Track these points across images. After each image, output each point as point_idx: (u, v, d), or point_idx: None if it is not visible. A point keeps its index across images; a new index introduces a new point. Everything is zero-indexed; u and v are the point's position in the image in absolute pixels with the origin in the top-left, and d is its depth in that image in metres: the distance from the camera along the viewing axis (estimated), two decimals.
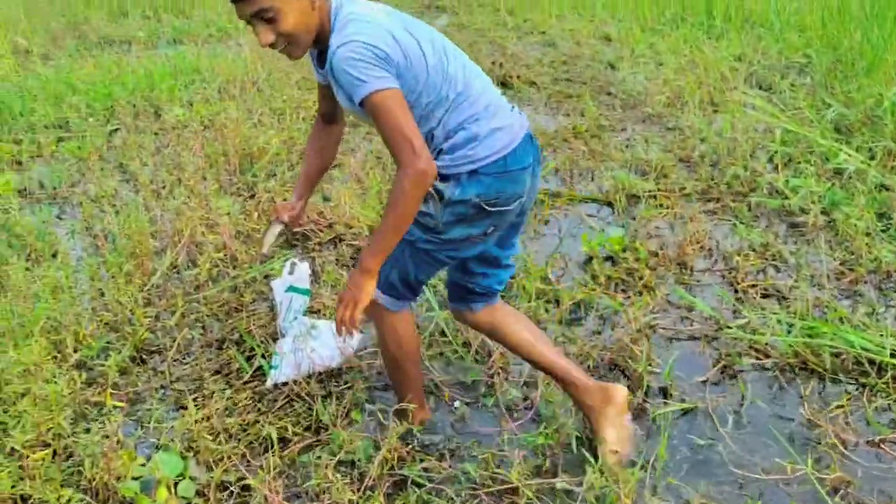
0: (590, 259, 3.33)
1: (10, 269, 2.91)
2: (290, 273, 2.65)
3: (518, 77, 6.40)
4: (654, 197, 3.92)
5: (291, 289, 2.58)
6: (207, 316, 2.94)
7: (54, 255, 3.42)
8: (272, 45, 1.79)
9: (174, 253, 3.30)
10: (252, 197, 4.06)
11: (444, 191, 1.89)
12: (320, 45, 1.88)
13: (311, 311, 2.87)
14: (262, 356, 2.59)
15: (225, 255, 3.32)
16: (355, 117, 2.04)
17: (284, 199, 3.92)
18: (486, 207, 1.91)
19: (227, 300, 3.05)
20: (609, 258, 3.35)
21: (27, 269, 3.16)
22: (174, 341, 2.74)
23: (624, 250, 3.34)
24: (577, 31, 8.17)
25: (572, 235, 3.63)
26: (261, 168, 4.30)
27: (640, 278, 3.14)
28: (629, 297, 3.03)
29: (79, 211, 3.95)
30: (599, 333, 2.81)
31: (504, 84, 6.31)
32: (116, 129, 5.25)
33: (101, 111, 5.50)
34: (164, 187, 4.11)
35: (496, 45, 7.86)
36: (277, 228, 2.22)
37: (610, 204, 3.94)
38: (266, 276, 3.22)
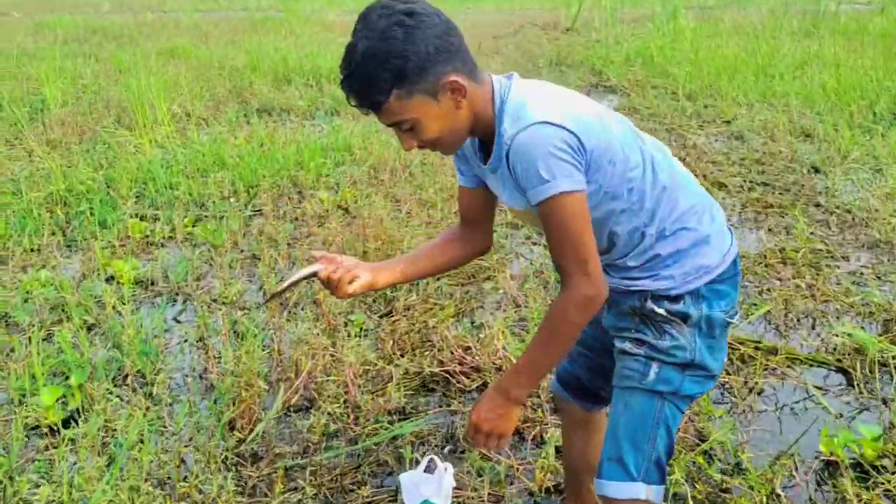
0: (832, 464, 2.41)
1: (85, 425, 2.40)
2: (428, 471, 1.94)
3: (704, 177, 5.53)
4: None
5: (427, 503, 1.87)
6: (312, 498, 2.27)
7: (157, 374, 2.91)
8: (420, 147, 1.53)
9: (286, 395, 2.69)
10: (389, 314, 3.43)
11: (686, 311, 1.56)
12: (482, 136, 1.57)
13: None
14: None
15: (345, 404, 2.67)
16: (518, 216, 1.72)
17: (425, 324, 3.26)
18: (729, 320, 1.62)
19: (339, 473, 2.38)
20: (858, 464, 2.41)
21: (117, 400, 2.65)
22: None
23: (881, 456, 2.40)
24: (768, 124, 7.17)
25: (794, 414, 2.74)
26: None
27: None
28: None
29: (197, 312, 3.47)
30: None
31: None
32: (257, 212, 4.85)
33: (244, 191, 5.14)
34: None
35: (675, 134, 7.02)
36: (308, 272, 1.62)
37: (844, 371, 2.99)
38: (394, 439, 2.53)
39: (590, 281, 1.45)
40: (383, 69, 1.37)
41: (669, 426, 1.60)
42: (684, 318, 1.56)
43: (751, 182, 5.48)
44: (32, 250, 4.22)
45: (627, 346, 1.62)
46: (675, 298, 1.56)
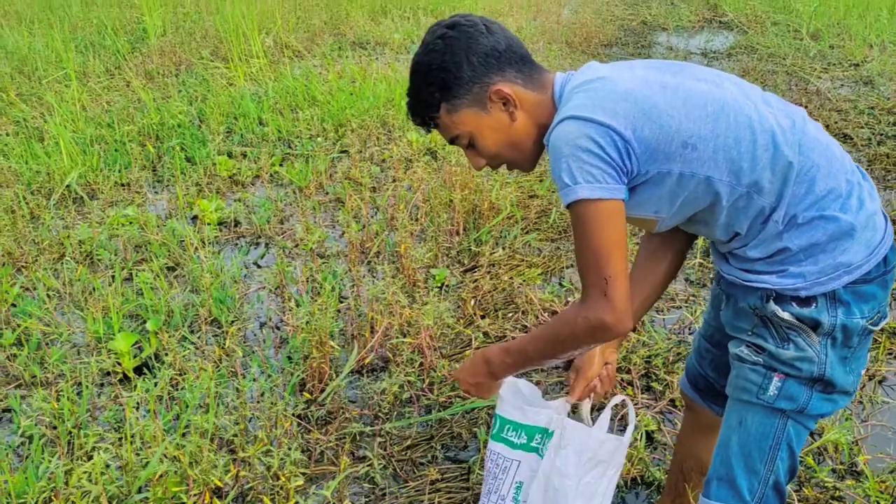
0: None
1: (153, 378, 2.34)
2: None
3: (827, 127, 5.03)
4: None
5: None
6: (381, 468, 2.16)
7: (232, 323, 2.86)
8: (493, 167, 1.47)
9: (360, 354, 2.57)
10: (473, 269, 3.26)
11: (817, 317, 1.29)
12: None
13: None
14: None
15: (420, 367, 2.53)
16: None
17: (510, 283, 3.07)
18: (872, 328, 1.34)
19: (409, 445, 2.25)
20: None
21: (191, 349, 2.60)
22: None
23: None
24: None
25: None
26: (488, 231, 3.48)
27: None
28: None
29: (277, 258, 3.39)
30: None
31: None
32: (344, 152, 4.71)
33: (333, 129, 5.01)
34: (370, 241, 3.43)
35: (796, 78, 6.43)
36: (569, 409, 1.63)
37: None
38: (469, 411, 2.38)
39: (609, 305, 1.27)
40: (427, 82, 1.36)
41: (793, 447, 1.37)
42: (814, 325, 1.30)
43: (880, 135, 4.95)
44: (122, 185, 4.24)
45: (744, 351, 1.37)
46: (805, 300, 1.30)
